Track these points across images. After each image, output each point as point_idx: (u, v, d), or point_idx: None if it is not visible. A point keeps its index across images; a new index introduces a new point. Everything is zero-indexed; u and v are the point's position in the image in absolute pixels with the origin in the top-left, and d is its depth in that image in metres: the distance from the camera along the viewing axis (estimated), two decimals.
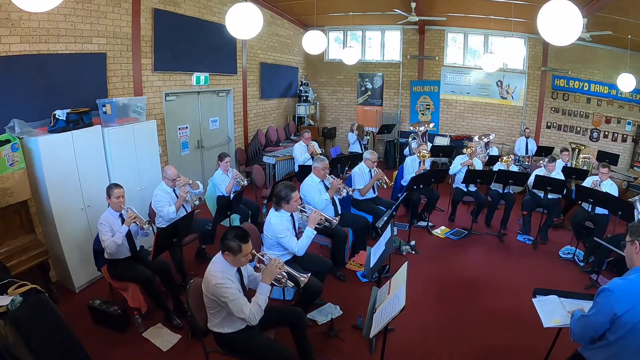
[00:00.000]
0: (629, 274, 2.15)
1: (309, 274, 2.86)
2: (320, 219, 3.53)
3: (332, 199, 4.34)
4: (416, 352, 3.46)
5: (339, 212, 4.40)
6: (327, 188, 4.47)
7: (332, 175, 4.50)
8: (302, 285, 2.80)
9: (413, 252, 5.25)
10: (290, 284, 2.79)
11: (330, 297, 4.12)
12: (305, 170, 5.67)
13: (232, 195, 4.82)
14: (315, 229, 3.57)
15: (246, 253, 2.51)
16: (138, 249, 3.87)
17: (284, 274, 2.76)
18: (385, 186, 5.02)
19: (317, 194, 4.31)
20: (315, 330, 3.66)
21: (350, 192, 4.55)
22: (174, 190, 4.36)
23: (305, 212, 3.59)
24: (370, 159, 5.10)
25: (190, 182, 4.37)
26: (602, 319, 2.11)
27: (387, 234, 3.57)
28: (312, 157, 6.41)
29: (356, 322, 3.75)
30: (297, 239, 3.52)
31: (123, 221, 3.68)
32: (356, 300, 4.12)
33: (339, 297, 4.13)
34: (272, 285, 2.68)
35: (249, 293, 2.74)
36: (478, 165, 6.13)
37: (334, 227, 3.74)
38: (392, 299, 2.42)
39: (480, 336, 3.66)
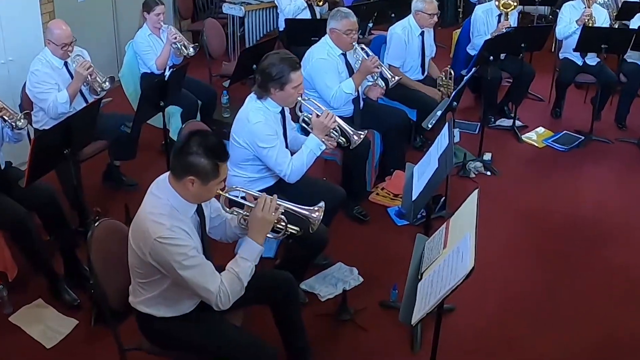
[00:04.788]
0: None
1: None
2: (334, 125, 3.42)
3: (357, 91, 4.29)
4: (493, 346, 3.27)
5: (361, 108, 4.37)
6: (350, 68, 4.27)
7: (361, 45, 4.29)
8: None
9: (488, 172, 5.00)
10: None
11: (341, 252, 3.92)
12: (297, 30, 5.61)
13: (167, 73, 4.65)
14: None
15: (224, 177, 2.47)
16: (3, 166, 3.64)
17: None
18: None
19: (333, 77, 4.17)
20: (316, 311, 3.45)
21: (393, 80, 4.37)
22: (65, 64, 4.06)
23: (308, 118, 3.52)
24: (426, 10, 4.81)
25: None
26: None
27: (441, 142, 3.31)
28: (311, 4, 6.17)
29: (387, 297, 3.56)
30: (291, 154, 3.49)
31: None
32: (387, 258, 3.93)
33: (357, 253, 3.96)
34: (278, 228, 2.60)
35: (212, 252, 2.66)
36: (600, 17, 5.69)
37: (355, 146, 3.61)
38: (450, 257, 2.31)
39: (601, 319, 3.49)
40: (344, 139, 3.58)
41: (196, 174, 2.35)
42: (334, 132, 3.54)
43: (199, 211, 2.53)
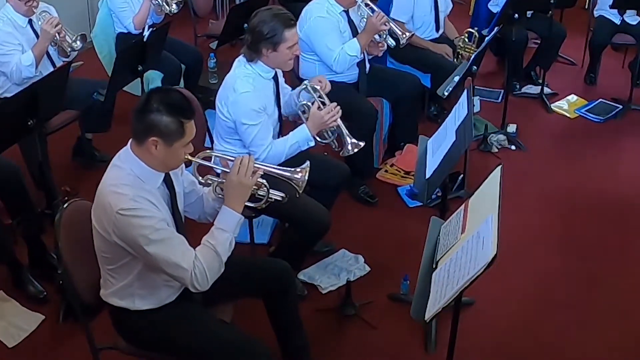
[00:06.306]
0: None
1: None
2: (334, 125, 3.48)
3: (363, 53, 4.31)
4: (518, 347, 3.27)
5: (367, 72, 4.40)
6: (354, 27, 4.27)
7: (365, 1, 4.28)
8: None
9: (513, 147, 5.04)
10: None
11: (344, 238, 3.98)
12: None
13: (147, 33, 4.61)
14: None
15: (191, 138, 2.50)
16: None
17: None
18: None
19: (335, 38, 4.19)
20: (316, 305, 3.50)
21: (404, 37, 4.34)
22: (30, 21, 4.12)
23: (307, 107, 3.52)
24: None
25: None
26: None
27: (459, 112, 3.36)
28: None
29: (397, 289, 3.60)
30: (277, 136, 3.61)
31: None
32: (397, 244, 4.00)
33: (363, 239, 4.03)
34: (260, 195, 2.63)
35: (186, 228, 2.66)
36: None
37: (345, 155, 3.66)
38: (469, 243, 2.32)
39: None
40: (335, 143, 3.63)
41: (159, 134, 2.37)
42: (329, 132, 3.59)
43: (169, 184, 2.54)
